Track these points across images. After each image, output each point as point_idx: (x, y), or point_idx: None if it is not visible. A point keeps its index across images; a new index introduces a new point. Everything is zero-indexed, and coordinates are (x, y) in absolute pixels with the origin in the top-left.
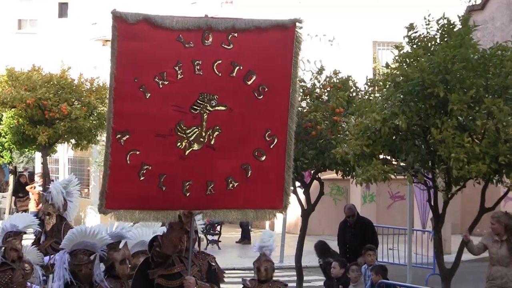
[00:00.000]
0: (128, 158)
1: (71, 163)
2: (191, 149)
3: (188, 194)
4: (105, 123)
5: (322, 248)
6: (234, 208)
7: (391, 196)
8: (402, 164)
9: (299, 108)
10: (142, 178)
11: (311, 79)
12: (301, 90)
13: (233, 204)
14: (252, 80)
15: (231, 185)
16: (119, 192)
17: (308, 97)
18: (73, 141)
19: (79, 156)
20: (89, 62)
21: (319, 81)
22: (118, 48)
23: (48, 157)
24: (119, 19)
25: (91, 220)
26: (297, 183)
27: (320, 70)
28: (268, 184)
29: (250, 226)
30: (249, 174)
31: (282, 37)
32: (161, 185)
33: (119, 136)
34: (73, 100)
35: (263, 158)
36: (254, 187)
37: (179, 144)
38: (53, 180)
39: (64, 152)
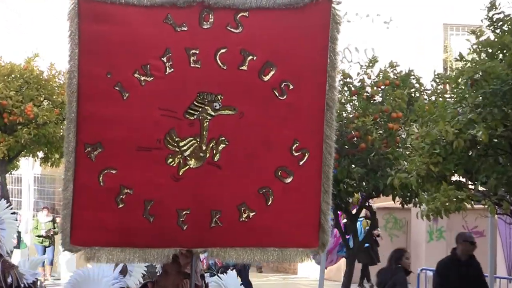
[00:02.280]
0: (101, 179)
1: (38, 183)
2: (187, 167)
3: (185, 227)
4: None
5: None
6: (250, 245)
7: None
8: (481, 188)
9: (343, 113)
10: (121, 206)
11: (359, 73)
12: (346, 88)
13: (249, 240)
14: (270, 75)
15: (245, 215)
16: (91, 223)
17: (355, 98)
18: (40, 153)
19: (49, 174)
20: (63, 48)
21: (370, 77)
22: (81, 32)
23: (7, 175)
24: None
25: (66, 257)
26: (340, 213)
27: (372, 62)
28: (297, 214)
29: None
30: (270, 201)
31: (312, 16)
32: (147, 215)
33: (89, 149)
34: (41, 99)
35: (290, 179)
36: (278, 218)
37: (170, 160)
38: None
39: (28, 168)
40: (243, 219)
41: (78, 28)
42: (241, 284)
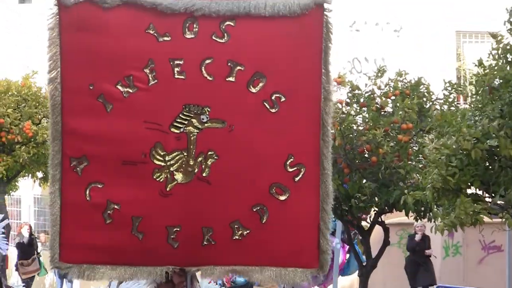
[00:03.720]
0: (88, 194)
1: (38, 204)
2: (175, 182)
3: (176, 245)
4: None
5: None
6: (246, 264)
7: (484, 247)
8: (499, 202)
9: (353, 125)
10: (109, 221)
11: (367, 85)
12: (355, 100)
13: (245, 259)
14: (260, 86)
15: (239, 233)
16: (78, 240)
17: (365, 109)
18: (40, 173)
19: (48, 195)
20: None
21: (379, 88)
22: (62, 43)
23: (6, 196)
24: (61, 1)
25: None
26: (352, 230)
27: (381, 72)
28: (294, 233)
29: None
30: (265, 219)
31: (305, 25)
32: (136, 232)
33: (74, 163)
34: (40, 117)
35: (285, 196)
36: (274, 236)
37: (157, 175)
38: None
39: (28, 188)
40: (237, 237)
41: (59, 38)
42: None
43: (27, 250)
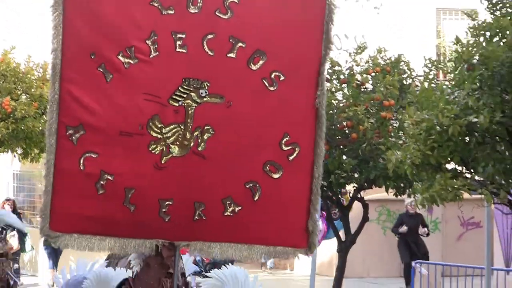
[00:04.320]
0: (82, 163)
1: (18, 180)
2: (170, 155)
3: (167, 218)
4: None
5: None
6: (235, 241)
7: (463, 223)
8: (478, 177)
9: (333, 102)
10: (101, 192)
11: (347, 61)
12: (335, 77)
13: (235, 236)
14: (260, 64)
15: (230, 209)
16: (70, 209)
17: (345, 86)
18: (19, 149)
19: (28, 170)
20: (42, 38)
21: (358, 64)
22: (66, 10)
23: None
24: None
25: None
26: (332, 206)
27: (361, 49)
28: (285, 213)
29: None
30: (257, 197)
31: (308, 6)
32: (128, 204)
33: (70, 132)
34: (19, 92)
35: (278, 175)
36: (265, 214)
37: (153, 147)
38: None
39: (7, 164)
40: (228, 213)
41: (63, 5)
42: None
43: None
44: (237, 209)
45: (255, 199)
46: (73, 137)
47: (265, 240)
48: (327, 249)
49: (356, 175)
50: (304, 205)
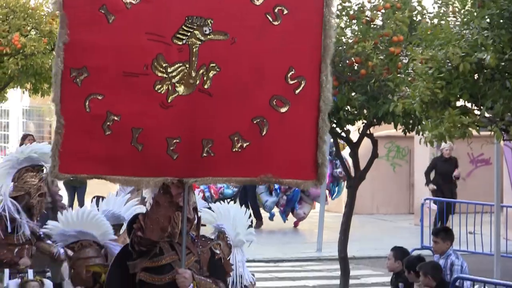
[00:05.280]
0: (87, 105)
1: (27, 115)
2: (176, 94)
3: (176, 156)
4: None
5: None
6: (243, 176)
7: (472, 160)
8: (487, 114)
9: (342, 38)
10: (108, 133)
11: None
12: (344, 13)
13: (242, 171)
14: None
15: (238, 145)
16: (77, 151)
17: (354, 22)
18: (29, 85)
19: (37, 106)
20: None
21: (370, 1)
22: None
23: None
24: None
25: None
26: (341, 142)
27: None
28: (293, 146)
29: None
30: (265, 131)
31: None
32: (135, 143)
33: (74, 74)
34: (29, 28)
35: (285, 109)
36: (273, 149)
37: (158, 87)
38: None
39: (17, 100)
40: (236, 149)
41: None
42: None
43: None
44: (245, 144)
45: (263, 134)
46: (77, 80)
47: (273, 173)
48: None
49: (365, 112)
50: (312, 137)
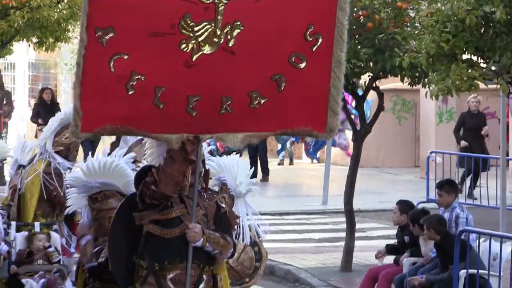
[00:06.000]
0: (112, 65)
1: (33, 69)
2: (200, 53)
3: (195, 114)
4: (80, 13)
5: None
6: (259, 130)
7: None
8: (493, 67)
9: None
10: (131, 92)
11: None
12: None
13: (258, 125)
14: None
15: (256, 101)
16: (99, 110)
17: None
18: (34, 39)
19: (43, 59)
20: None
21: None
22: None
23: (1, 61)
24: None
25: None
26: (347, 95)
27: None
28: (307, 100)
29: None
30: (282, 87)
31: None
32: (157, 102)
33: (99, 34)
34: None
35: (302, 65)
36: (288, 104)
37: (184, 46)
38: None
39: (23, 53)
40: (254, 105)
41: None
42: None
43: (47, 115)
44: (262, 101)
45: (280, 91)
46: (103, 39)
47: (287, 127)
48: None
49: (371, 65)
50: (325, 91)
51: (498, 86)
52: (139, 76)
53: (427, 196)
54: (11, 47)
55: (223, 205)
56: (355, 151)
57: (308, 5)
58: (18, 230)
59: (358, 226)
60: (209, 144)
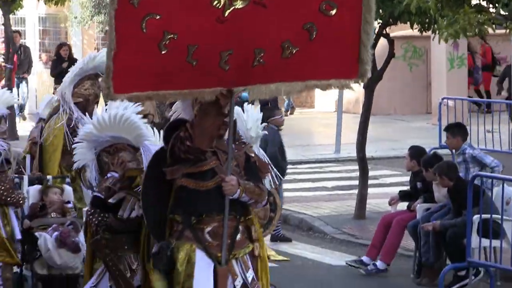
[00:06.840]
0: (144, 26)
1: (43, 23)
2: (232, 8)
3: (227, 68)
4: None
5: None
6: (290, 80)
7: None
8: (502, 12)
9: None
10: (164, 51)
11: None
12: None
13: (290, 75)
14: None
15: (288, 51)
16: (132, 70)
17: None
18: None
19: (53, 14)
20: None
21: None
22: None
23: (11, 15)
24: None
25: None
26: None
27: None
28: (338, 47)
29: (290, 104)
30: (314, 36)
31: None
32: (190, 59)
33: None
34: None
35: (333, 11)
36: (319, 52)
37: (216, 2)
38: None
39: (33, 7)
40: (286, 55)
41: None
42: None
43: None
44: (294, 50)
45: (312, 39)
46: (134, 1)
47: (318, 75)
48: (353, 86)
49: (380, 11)
50: (356, 37)
51: (507, 31)
52: (172, 35)
53: (439, 142)
54: (21, 1)
55: (252, 155)
56: (366, 99)
57: None
58: (31, 183)
59: (371, 173)
60: None
